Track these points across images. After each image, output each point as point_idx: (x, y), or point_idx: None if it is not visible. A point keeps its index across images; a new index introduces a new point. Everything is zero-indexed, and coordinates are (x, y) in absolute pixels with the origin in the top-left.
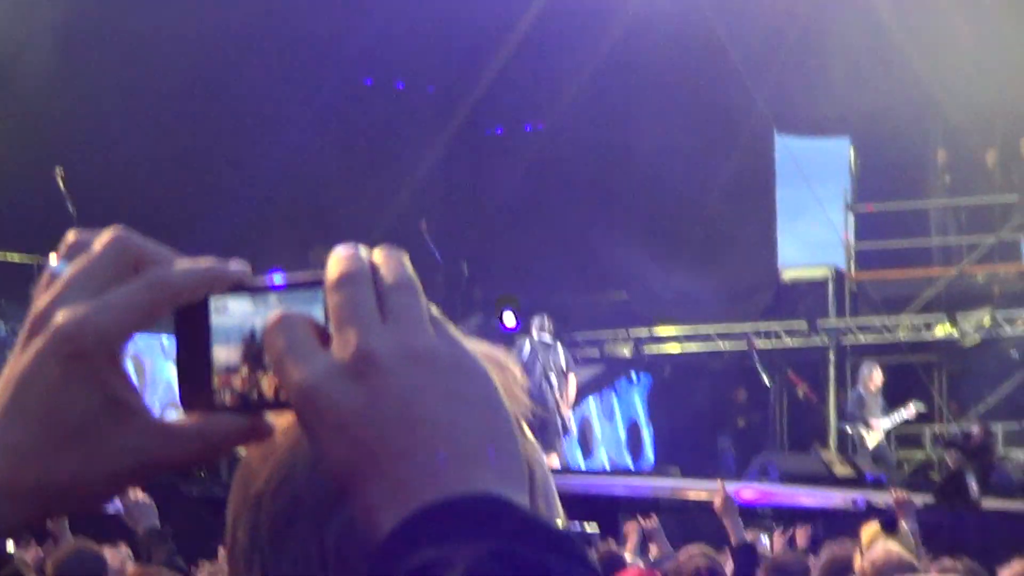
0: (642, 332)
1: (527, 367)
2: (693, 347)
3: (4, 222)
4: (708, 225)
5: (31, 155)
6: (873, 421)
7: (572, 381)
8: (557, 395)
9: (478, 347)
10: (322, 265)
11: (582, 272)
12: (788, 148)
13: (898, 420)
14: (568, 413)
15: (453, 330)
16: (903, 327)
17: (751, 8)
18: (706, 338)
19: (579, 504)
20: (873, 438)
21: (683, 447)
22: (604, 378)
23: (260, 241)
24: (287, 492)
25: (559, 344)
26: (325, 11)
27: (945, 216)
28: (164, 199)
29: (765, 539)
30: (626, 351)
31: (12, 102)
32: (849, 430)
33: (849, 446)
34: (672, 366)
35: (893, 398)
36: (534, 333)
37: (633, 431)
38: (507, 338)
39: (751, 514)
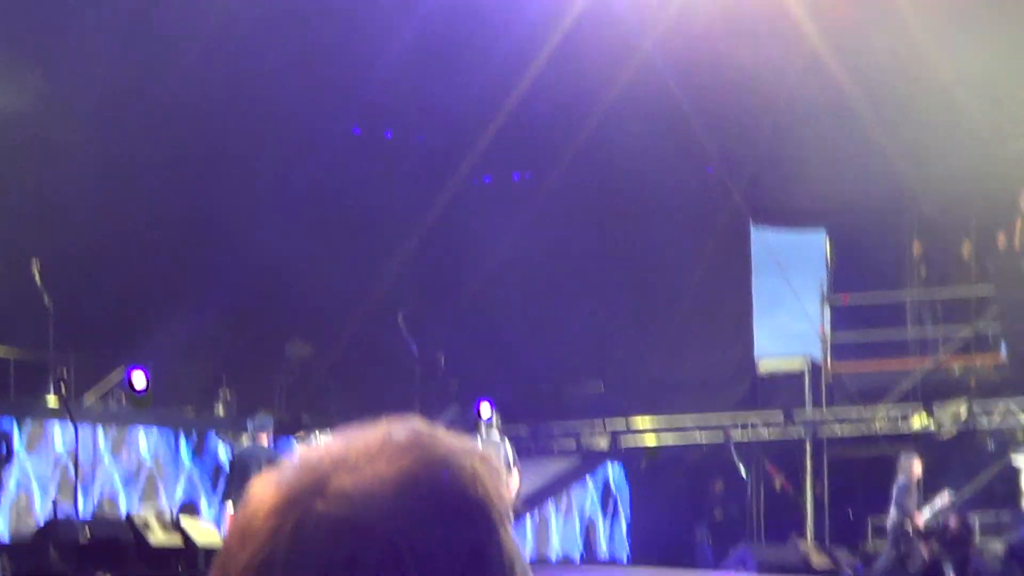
0: (619, 423)
1: None
2: (670, 438)
3: None
4: (685, 316)
5: (6, 248)
6: (916, 512)
7: (515, 477)
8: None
9: (461, 442)
10: (300, 358)
11: (558, 363)
12: (764, 240)
13: (936, 509)
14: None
15: None
16: (879, 418)
17: (727, 102)
18: (683, 429)
19: None
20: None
21: (660, 538)
22: (580, 470)
23: (236, 334)
24: None
25: (506, 440)
26: (310, 67)
27: (921, 308)
28: (138, 293)
29: None
30: (602, 443)
31: None
32: (893, 520)
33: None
34: (648, 456)
35: (869, 489)
36: (483, 432)
37: (609, 522)
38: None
39: None
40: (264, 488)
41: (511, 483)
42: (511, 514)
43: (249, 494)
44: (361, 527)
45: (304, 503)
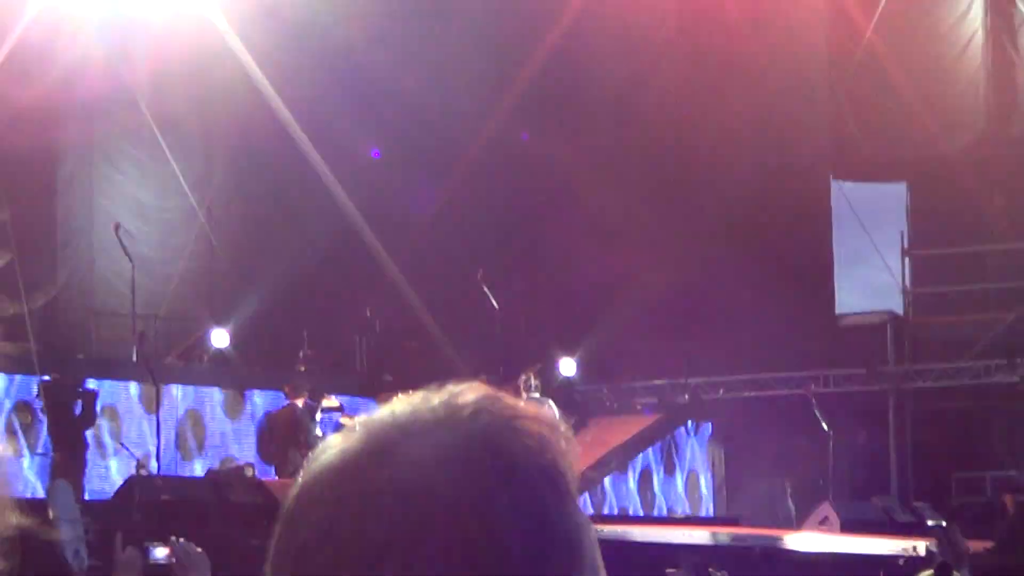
0: (700, 379)
1: None
2: (752, 394)
3: None
4: (766, 272)
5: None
6: None
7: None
8: None
9: (529, 408)
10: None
11: (641, 320)
12: (844, 194)
13: None
14: None
15: None
16: (962, 372)
17: (808, 57)
18: (765, 385)
19: (639, 553)
20: None
21: (743, 495)
22: (663, 427)
23: (317, 296)
24: (333, 543)
25: (550, 401)
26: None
27: (1003, 260)
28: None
29: None
30: (685, 399)
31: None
32: None
33: None
34: (731, 414)
35: (953, 444)
36: (523, 392)
37: (692, 480)
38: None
39: None
40: (329, 453)
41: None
42: (579, 483)
43: (314, 458)
44: (427, 493)
45: (369, 470)
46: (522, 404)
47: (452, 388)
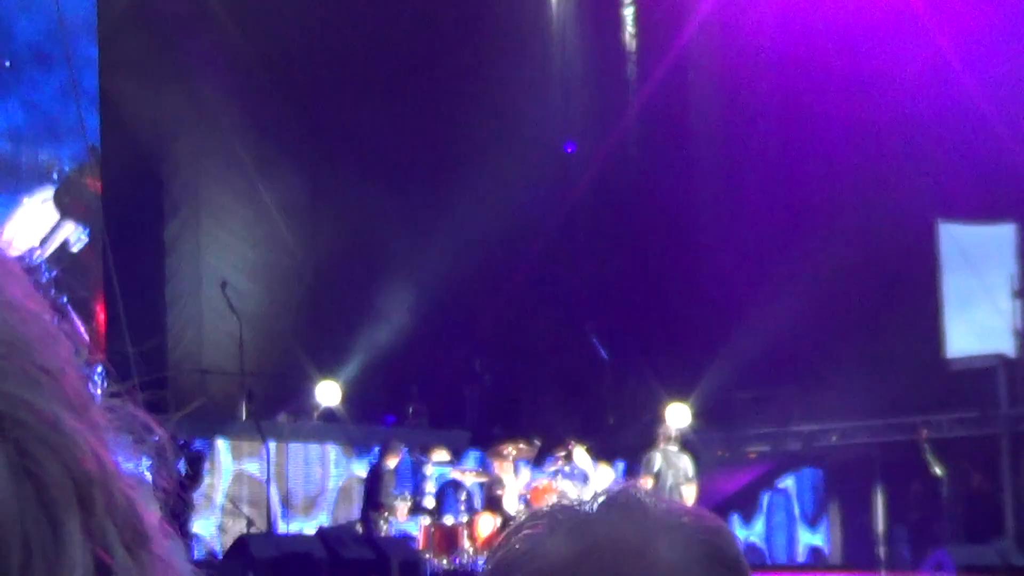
0: (811, 426)
1: (660, 477)
2: (863, 439)
3: None
4: (874, 315)
5: (191, 271)
6: None
7: (693, 491)
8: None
9: (696, 514)
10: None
11: (751, 367)
12: (952, 235)
13: None
14: None
15: None
16: None
17: (914, 95)
18: (876, 430)
19: None
20: None
21: (856, 540)
22: (775, 475)
23: (426, 349)
24: None
25: (687, 454)
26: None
27: None
28: (328, 311)
29: None
30: (796, 445)
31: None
32: None
33: None
34: (842, 459)
35: None
36: (661, 444)
37: (805, 527)
38: (638, 451)
39: None
40: (542, 552)
41: (690, 496)
42: None
43: (520, 563)
44: None
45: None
46: (689, 506)
47: (625, 486)
